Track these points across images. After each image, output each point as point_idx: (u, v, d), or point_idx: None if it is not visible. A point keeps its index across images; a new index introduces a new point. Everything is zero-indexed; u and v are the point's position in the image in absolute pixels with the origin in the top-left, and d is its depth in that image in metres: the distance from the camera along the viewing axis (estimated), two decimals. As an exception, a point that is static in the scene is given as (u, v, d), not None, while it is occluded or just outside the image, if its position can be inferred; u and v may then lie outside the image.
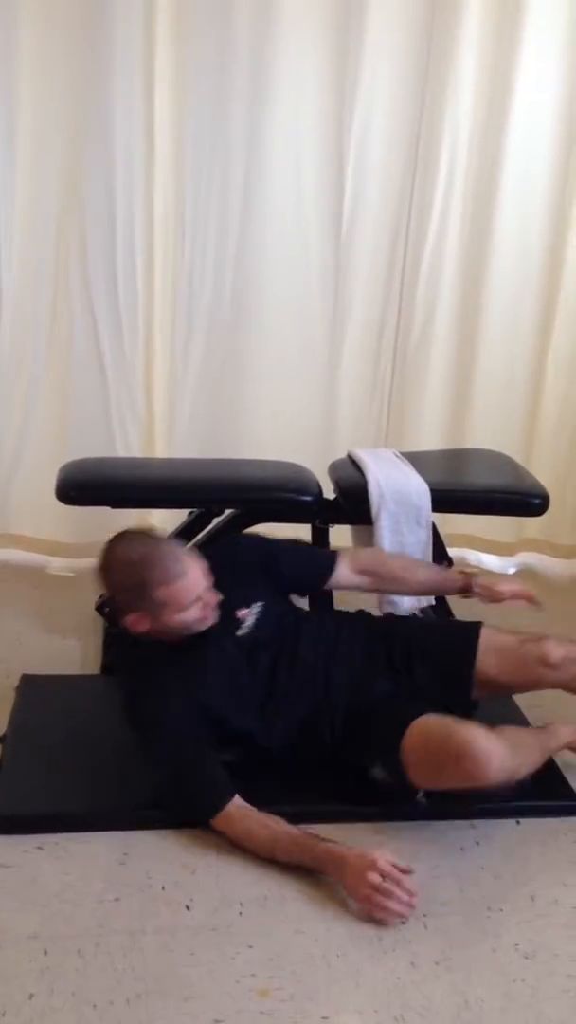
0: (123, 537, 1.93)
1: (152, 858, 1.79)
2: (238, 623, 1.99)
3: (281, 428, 2.92)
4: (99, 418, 2.87)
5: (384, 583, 2.18)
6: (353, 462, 2.51)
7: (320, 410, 2.95)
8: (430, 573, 2.20)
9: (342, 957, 1.61)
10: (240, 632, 1.99)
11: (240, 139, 2.67)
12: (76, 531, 2.91)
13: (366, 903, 1.67)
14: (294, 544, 2.21)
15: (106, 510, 2.51)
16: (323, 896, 1.73)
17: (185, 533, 2.48)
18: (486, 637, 2.03)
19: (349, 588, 2.16)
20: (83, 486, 2.34)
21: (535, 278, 2.92)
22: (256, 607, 2.01)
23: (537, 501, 2.38)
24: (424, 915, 1.71)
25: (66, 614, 2.69)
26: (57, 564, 2.98)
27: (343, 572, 2.11)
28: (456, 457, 2.82)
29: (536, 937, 1.67)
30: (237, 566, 2.04)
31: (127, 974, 1.54)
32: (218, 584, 1.93)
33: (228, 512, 2.45)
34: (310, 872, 1.76)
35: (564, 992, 1.57)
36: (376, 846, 1.74)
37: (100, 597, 2.56)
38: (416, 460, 2.51)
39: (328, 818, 1.89)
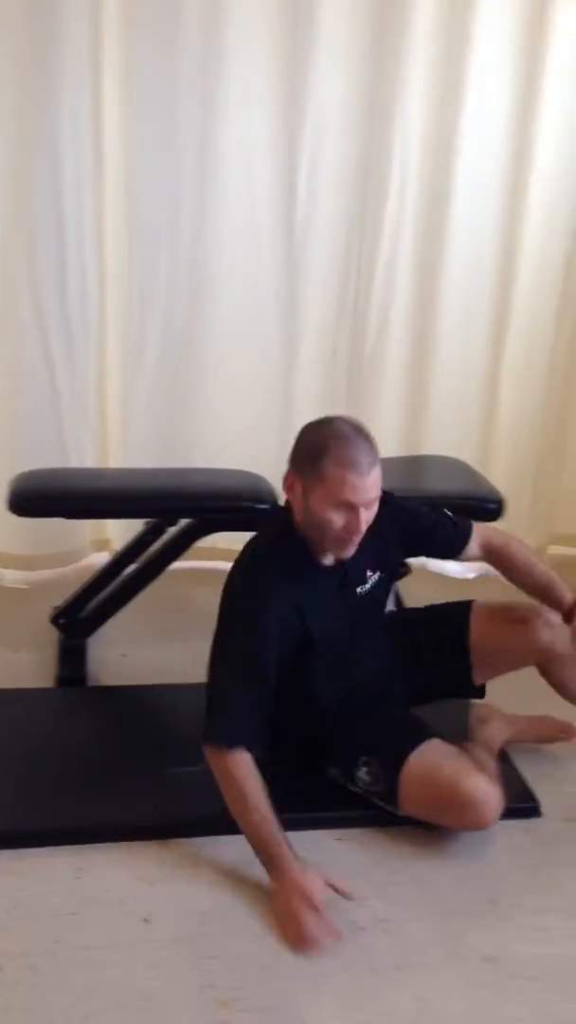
0: (344, 419, 1.84)
1: (110, 872, 1.77)
2: (364, 579, 1.96)
3: (237, 437, 2.91)
4: (51, 429, 2.83)
5: (501, 566, 2.10)
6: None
7: (276, 418, 2.94)
8: (545, 578, 2.08)
9: (302, 965, 1.59)
10: (361, 589, 1.96)
11: (191, 148, 2.67)
12: (29, 543, 2.87)
13: (285, 930, 1.64)
14: (442, 512, 2.13)
15: (60, 522, 2.49)
16: (283, 905, 1.72)
17: (140, 544, 2.46)
18: (477, 609, 2.11)
19: (469, 560, 2.14)
20: (36, 497, 2.31)
21: (488, 286, 2.94)
22: (378, 574, 1.98)
23: (493, 506, 2.39)
24: (384, 921, 1.70)
25: (20, 627, 2.65)
26: (10, 576, 2.93)
27: (472, 546, 2.07)
28: (413, 463, 2.83)
29: (497, 941, 1.67)
30: (398, 530, 1.99)
31: (84, 990, 1.52)
32: (376, 536, 1.86)
33: (184, 522, 2.43)
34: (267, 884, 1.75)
35: (524, 996, 1.57)
36: (320, 867, 1.73)
37: (54, 609, 2.54)
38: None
39: (288, 825, 1.88)
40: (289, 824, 1.87)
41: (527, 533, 3.14)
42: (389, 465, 2.63)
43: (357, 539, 1.80)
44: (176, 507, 2.39)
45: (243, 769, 1.73)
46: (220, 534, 2.62)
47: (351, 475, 1.73)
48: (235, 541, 2.60)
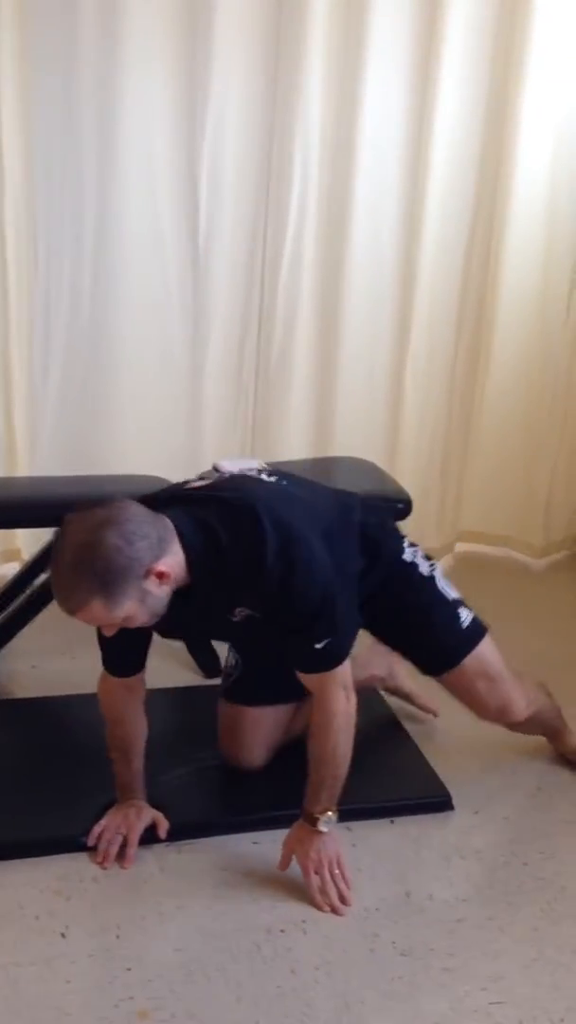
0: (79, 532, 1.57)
1: (23, 887, 1.74)
2: (229, 611, 1.76)
3: (146, 442, 2.89)
4: (-43, 439, 2.78)
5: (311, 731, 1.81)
6: (219, 473, 2.50)
7: (184, 423, 2.94)
8: (314, 784, 1.79)
9: (221, 971, 1.59)
10: (230, 616, 1.78)
11: (91, 158, 2.64)
12: None
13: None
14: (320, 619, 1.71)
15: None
16: (201, 911, 1.72)
17: (49, 553, 2.42)
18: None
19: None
20: None
21: (390, 290, 2.99)
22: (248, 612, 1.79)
23: (401, 505, 2.42)
24: (303, 921, 1.71)
25: None
26: None
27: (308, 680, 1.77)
28: (322, 465, 2.84)
29: (412, 934, 1.70)
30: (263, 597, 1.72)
31: (0, 1009, 1.49)
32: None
33: (94, 529, 2.40)
34: (188, 888, 1.75)
35: (441, 986, 1.60)
36: (250, 856, 1.75)
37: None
38: (282, 469, 2.51)
39: (207, 831, 1.89)
40: (203, 828, 1.89)
41: (434, 531, 3.21)
42: (298, 467, 2.68)
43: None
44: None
45: (111, 690, 1.85)
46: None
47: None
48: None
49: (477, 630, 1.96)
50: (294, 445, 3.03)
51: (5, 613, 2.47)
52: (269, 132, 2.77)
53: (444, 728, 2.30)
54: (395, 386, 3.08)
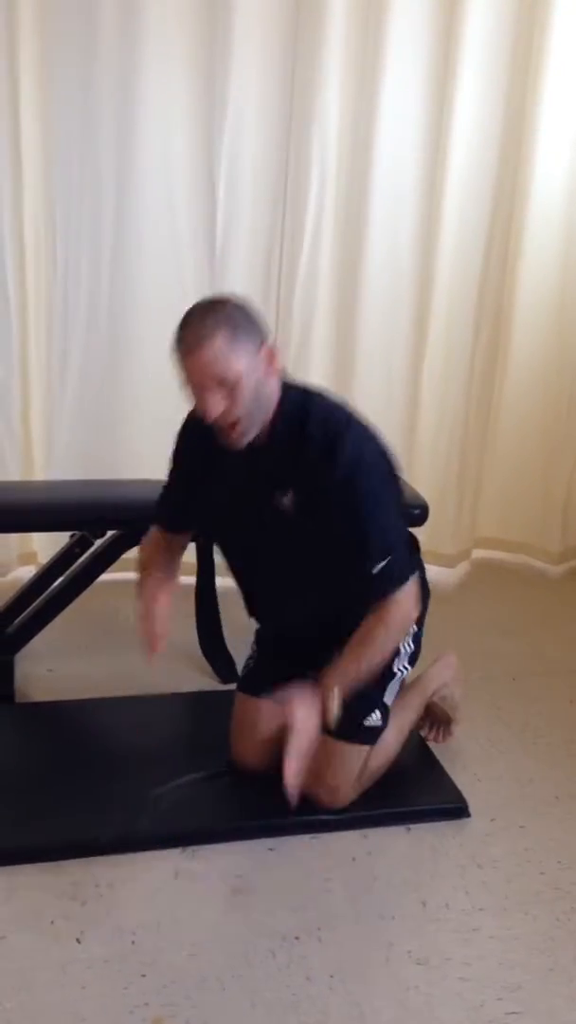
0: (211, 297, 1.75)
1: (39, 892, 1.74)
2: (280, 488, 1.81)
3: (161, 447, 2.88)
4: (-26, 442, 2.79)
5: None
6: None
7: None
8: (351, 653, 1.83)
9: (237, 978, 1.59)
10: (277, 501, 1.82)
11: (109, 161, 2.66)
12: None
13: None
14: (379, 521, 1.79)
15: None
16: (217, 917, 1.71)
17: (66, 557, 2.44)
18: None
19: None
20: (-41, 511, 2.28)
21: (407, 292, 2.98)
22: (294, 496, 1.82)
23: (417, 512, 2.41)
24: (318, 928, 1.71)
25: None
26: None
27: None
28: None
29: (428, 943, 1.69)
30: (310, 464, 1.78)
31: (16, 1013, 1.49)
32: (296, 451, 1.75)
33: (110, 534, 2.41)
34: (204, 894, 1.74)
35: (457, 996, 1.59)
36: (266, 862, 1.74)
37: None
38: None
39: (217, 837, 1.89)
40: (220, 835, 1.89)
41: (451, 538, 3.20)
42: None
43: (228, 427, 1.71)
44: (100, 519, 2.37)
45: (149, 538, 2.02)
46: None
47: (178, 354, 1.70)
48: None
49: (373, 738, 1.96)
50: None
51: (22, 616, 2.47)
52: (287, 135, 2.77)
53: (461, 735, 2.29)
54: (412, 390, 3.07)
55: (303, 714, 1.78)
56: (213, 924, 1.70)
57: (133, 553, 2.46)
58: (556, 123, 2.92)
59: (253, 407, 1.70)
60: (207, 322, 1.65)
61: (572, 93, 2.91)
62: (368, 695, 1.92)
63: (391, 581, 1.78)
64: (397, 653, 1.97)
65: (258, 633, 2.14)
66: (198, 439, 1.86)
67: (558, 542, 3.32)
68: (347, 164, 2.83)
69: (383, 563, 1.75)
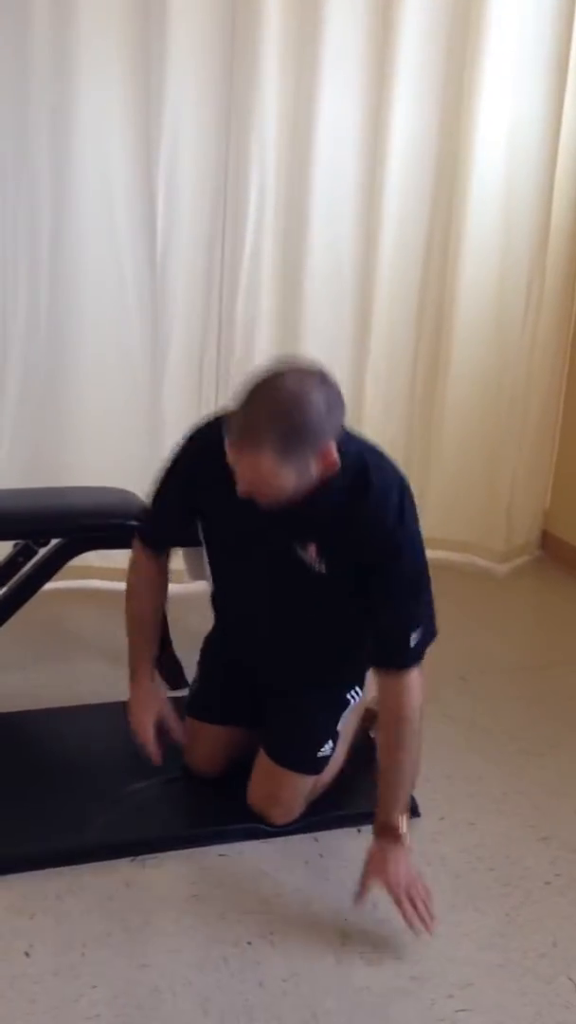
0: (276, 374, 1.55)
1: (-13, 906, 1.72)
2: (299, 537, 1.73)
3: (106, 452, 2.88)
4: None
5: (383, 722, 1.77)
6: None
7: (143, 433, 2.92)
8: (393, 783, 1.74)
9: (188, 986, 1.58)
10: (292, 551, 1.74)
11: (45, 168, 2.64)
12: None
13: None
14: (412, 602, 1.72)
15: None
16: (168, 926, 1.70)
17: (10, 566, 2.40)
18: None
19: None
20: None
21: (349, 297, 3.00)
22: (318, 555, 1.74)
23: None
24: (271, 933, 1.70)
25: None
26: None
27: (388, 677, 1.73)
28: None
29: (379, 943, 1.70)
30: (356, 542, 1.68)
31: (-37, 1032, 1.47)
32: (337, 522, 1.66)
33: (54, 542, 2.38)
34: (155, 903, 1.72)
35: (407, 995, 1.59)
36: (218, 868, 1.73)
37: None
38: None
39: (168, 845, 1.88)
40: (170, 843, 1.88)
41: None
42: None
43: (259, 499, 1.60)
44: (43, 527, 2.35)
45: (137, 566, 1.95)
46: (95, 552, 2.59)
47: (227, 425, 1.57)
48: (110, 559, 2.58)
49: (324, 765, 1.95)
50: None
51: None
52: (225, 140, 2.77)
53: (409, 735, 2.30)
54: (355, 393, 3.09)
55: (397, 877, 1.69)
56: (165, 933, 1.69)
57: (81, 560, 2.45)
58: (491, 124, 2.96)
59: (297, 492, 1.59)
60: (261, 419, 1.49)
61: (507, 95, 2.95)
62: (324, 726, 1.93)
63: (409, 656, 1.69)
64: (351, 683, 1.98)
65: (204, 658, 2.09)
66: (209, 459, 1.67)
67: (503, 541, 3.36)
68: (286, 169, 2.84)
69: (418, 633, 1.68)
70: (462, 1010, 1.57)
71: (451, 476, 3.31)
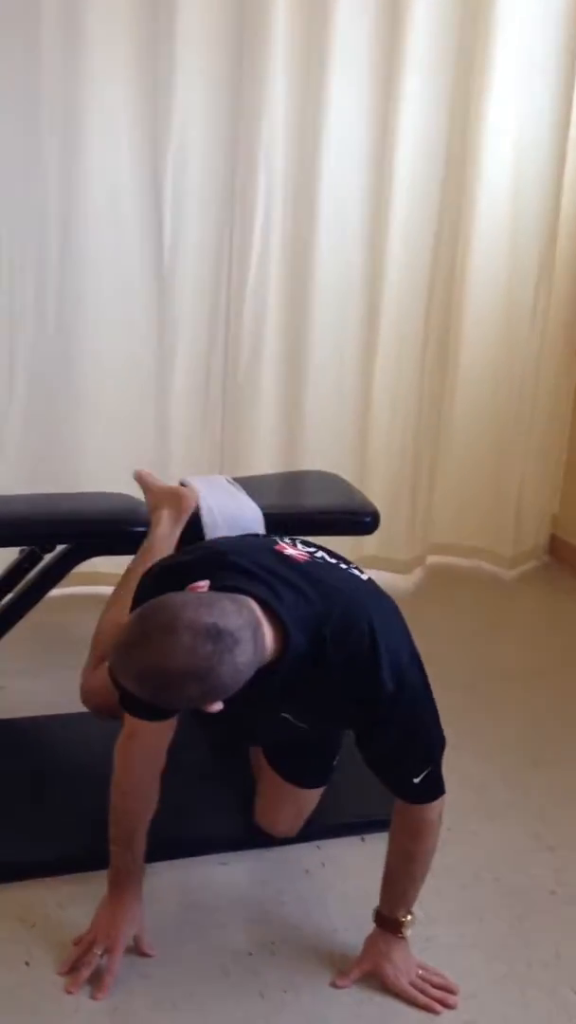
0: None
1: (-13, 915, 1.72)
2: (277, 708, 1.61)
3: (113, 458, 2.86)
4: None
5: (394, 838, 1.67)
6: (186, 489, 2.49)
7: (151, 441, 2.92)
8: (399, 890, 1.66)
9: (189, 997, 1.58)
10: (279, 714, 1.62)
11: (53, 175, 2.63)
12: None
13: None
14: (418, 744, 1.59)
15: None
16: (168, 935, 1.69)
17: (16, 572, 2.40)
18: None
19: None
20: None
21: (356, 305, 2.98)
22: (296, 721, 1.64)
23: (368, 519, 2.40)
24: (272, 943, 1.70)
25: None
26: None
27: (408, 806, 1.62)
28: (289, 480, 2.84)
29: (382, 953, 1.68)
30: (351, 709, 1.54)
31: (-38, 1042, 1.47)
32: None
33: (60, 548, 2.38)
34: (155, 912, 1.71)
35: (411, 1011, 1.58)
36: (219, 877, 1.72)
37: None
38: (250, 484, 2.50)
39: (169, 853, 1.87)
40: (172, 848, 1.87)
41: (404, 545, 3.21)
42: (266, 482, 2.68)
43: None
44: (48, 533, 2.34)
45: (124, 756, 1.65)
46: (103, 558, 2.58)
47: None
48: (118, 565, 2.56)
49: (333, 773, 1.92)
50: (263, 460, 3.02)
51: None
52: (233, 145, 2.77)
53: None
54: (363, 399, 3.08)
55: (396, 970, 1.63)
56: (165, 942, 1.68)
57: (87, 566, 2.44)
58: (500, 125, 2.95)
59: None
60: (180, 693, 1.31)
61: (515, 95, 2.94)
62: (334, 739, 1.89)
63: (427, 792, 1.59)
64: None
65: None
66: None
67: (511, 546, 3.34)
68: (293, 173, 2.83)
69: (424, 773, 1.57)
70: (467, 1021, 1.56)
71: (459, 480, 3.29)
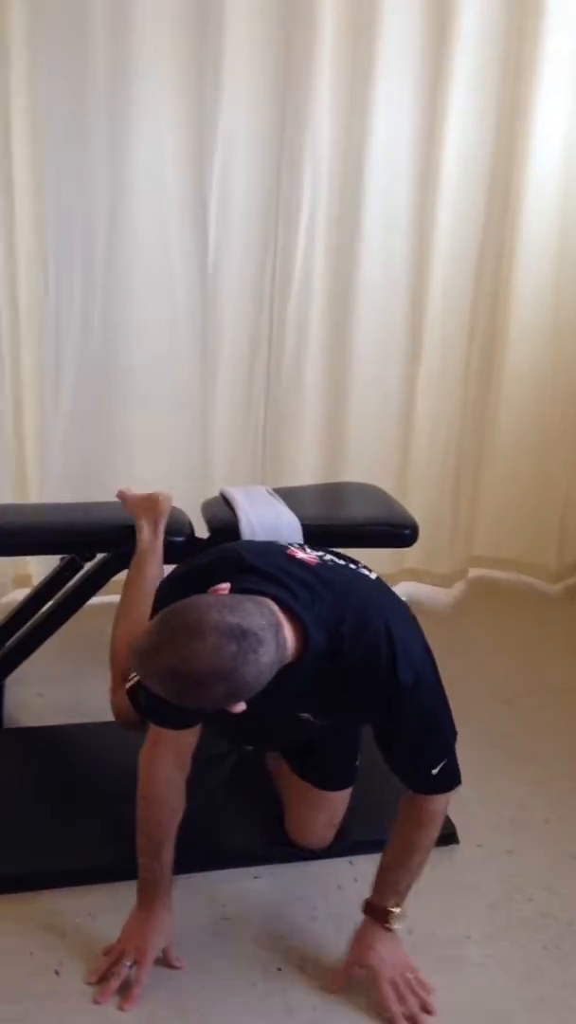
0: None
1: (20, 923, 1.73)
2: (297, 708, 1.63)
3: (156, 468, 2.89)
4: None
5: (399, 826, 1.67)
6: (226, 500, 2.50)
7: (195, 449, 2.94)
8: (394, 876, 1.67)
9: (216, 1009, 1.57)
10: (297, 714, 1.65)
11: (101, 183, 2.65)
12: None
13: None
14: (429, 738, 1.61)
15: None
16: (198, 948, 1.70)
17: (56, 580, 2.43)
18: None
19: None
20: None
21: (400, 313, 2.97)
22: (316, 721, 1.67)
23: (407, 532, 2.39)
24: (301, 959, 1.69)
25: None
26: None
27: (416, 797, 1.64)
28: (329, 491, 2.83)
29: (412, 973, 1.67)
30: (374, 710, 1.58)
31: (-9, 1048, 1.48)
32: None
33: (99, 556, 2.40)
34: (186, 924, 1.72)
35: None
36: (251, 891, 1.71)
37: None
38: (290, 495, 2.51)
39: (202, 865, 1.87)
40: (205, 860, 1.87)
41: (446, 557, 3.18)
42: (305, 493, 2.68)
43: None
44: (89, 542, 2.36)
45: (148, 764, 1.65)
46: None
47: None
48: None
49: (358, 773, 1.92)
50: (305, 470, 3.02)
51: (12, 640, 2.47)
52: (278, 153, 2.77)
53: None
54: (406, 410, 3.06)
55: (381, 962, 1.62)
56: (195, 954, 1.68)
57: (123, 576, 2.46)
58: (548, 135, 2.91)
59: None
60: (206, 696, 1.32)
61: (564, 106, 2.91)
62: (353, 738, 1.90)
63: (445, 782, 1.62)
64: None
65: None
66: None
67: (555, 560, 3.30)
68: (339, 180, 2.83)
69: (442, 764, 1.60)
70: (494, 1046, 1.54)
71: (502, 493, 3.26)
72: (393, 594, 1.64)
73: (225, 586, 1.41)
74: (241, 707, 1.34)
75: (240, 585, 1.43)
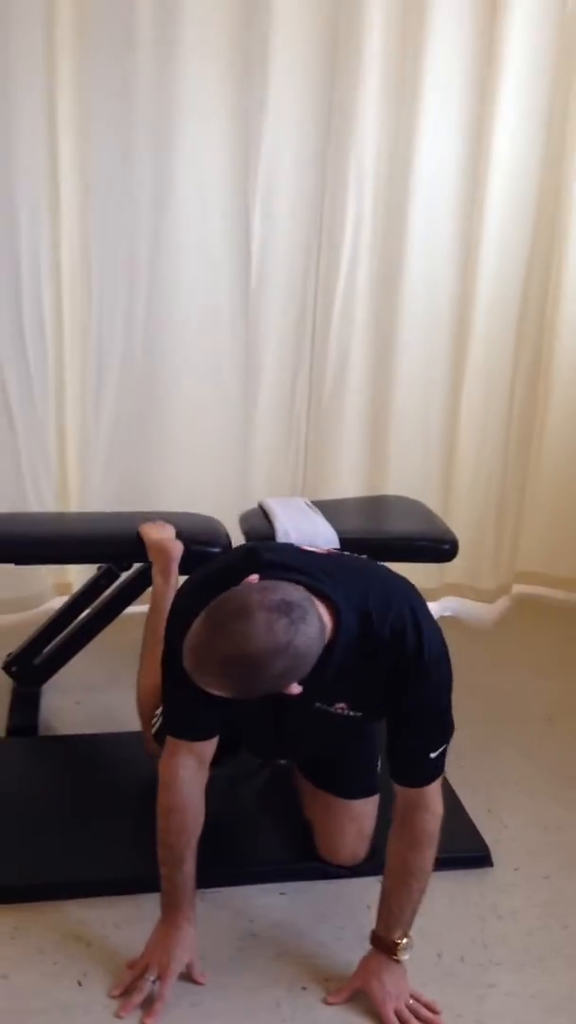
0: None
1: (46, 932, 1.72)
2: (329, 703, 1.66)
3: (196, 479, 2.89)
4: (10, 473, 2.81)
5: (395, 836, 1.66)
6: (264, 512, 2.48)
7: (235, 460, 2.93)
8: (399, 900, 1.64)
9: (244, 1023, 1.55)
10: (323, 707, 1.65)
11: (145, 192, 2.67)
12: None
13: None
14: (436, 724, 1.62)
15: (12, 566, 2.45)
16: (222, 964, 1.67)
17: (94, 588, 2.44)
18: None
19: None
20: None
21: (445, 326, 2.94)
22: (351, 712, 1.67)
23: (446, 547, 2.36)
24: (326, 979, 1.66)
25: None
26: (-30, 623, 2.90)
27: (407, 790, 1.63)
28: (369, 505, 2.81)
29: (440, 997, 1.63)
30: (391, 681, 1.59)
31: (11, 1058, 1.47)
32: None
33: (136, 566, 2.40)
34: (210, 939, 1.70)
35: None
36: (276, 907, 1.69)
37: (7, 656, 2.51)
38: (329, 508, 2.49)
39: (229, 880, 1.85)
40: (231, 877, 1.85)
41: (489, 572, 3.14)
42: (345, 506, 2.65)
43: None
44: (127, 552, 2.36)
45: (167, 773, 1.65)
46: (179, 577, 2.59)
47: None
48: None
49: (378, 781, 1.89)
50: (346, 482, 3.00)
51: (49, 648, 2.48)
52: (322, 165, 2.77)
53: (489, 778, 2.22)
54: (450, 422, 3.03)
55: (383, 990, 1.60)
56: (219, 970, 1.66)
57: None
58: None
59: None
60: (258, 684, 1.37)
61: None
62: (371, 744, 1.89)
63: (435, 770, 1.61)
64: None
65: None
66: None
67: (602, 577, 3.24)
68: (383, 196, 2.81)
69: (440, 750, 1.60)
70: (522, 1077, 1.49)
71: (548, 508, 3.20)
72: (403, 578, 1.66)
73: (255, 577, 1.45)
74: (297, 689, 1.39)
75: (267, 575, 1.47)
